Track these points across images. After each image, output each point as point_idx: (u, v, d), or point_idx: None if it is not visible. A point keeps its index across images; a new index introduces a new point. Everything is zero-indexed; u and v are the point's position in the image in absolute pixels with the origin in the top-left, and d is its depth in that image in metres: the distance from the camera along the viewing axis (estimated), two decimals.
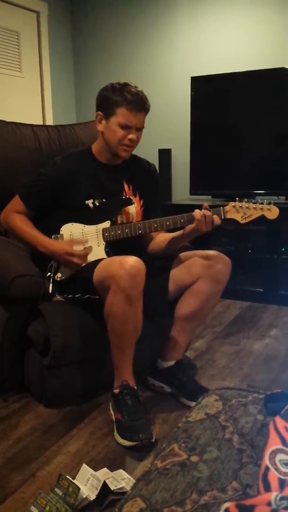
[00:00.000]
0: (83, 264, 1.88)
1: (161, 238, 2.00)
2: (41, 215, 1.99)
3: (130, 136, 1.85)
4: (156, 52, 3.93)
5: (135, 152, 2.06)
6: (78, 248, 1.90)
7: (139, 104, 1.82)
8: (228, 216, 1.81)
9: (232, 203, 1.81)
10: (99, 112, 1.89)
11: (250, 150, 3.42)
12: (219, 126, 3.51)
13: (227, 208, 1.81)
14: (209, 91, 3.51)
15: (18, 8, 3.71)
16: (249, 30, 3.53)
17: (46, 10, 3.93)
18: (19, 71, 3.80)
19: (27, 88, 3.87)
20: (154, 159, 2.14)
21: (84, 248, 1.90)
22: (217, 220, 1.79)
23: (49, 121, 4.04)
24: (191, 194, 3.57)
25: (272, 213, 1.78)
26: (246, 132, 3.43)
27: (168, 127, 3.91)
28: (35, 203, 1.98)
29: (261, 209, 1.78)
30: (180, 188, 3.86)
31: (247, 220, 1.80)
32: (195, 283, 1.86)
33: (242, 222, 1.80)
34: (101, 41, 4.14)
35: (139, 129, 1.88)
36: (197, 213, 1.78)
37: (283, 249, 3.21)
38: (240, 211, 1.80)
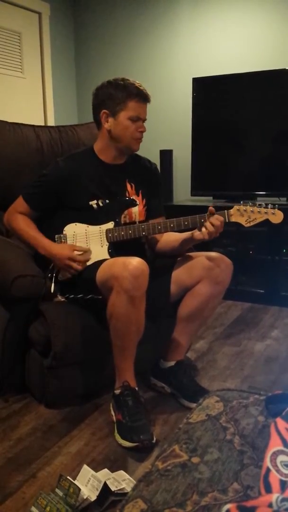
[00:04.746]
0: (80, 269, 1.88)
1: (171, 238, 1.99)
2: (45, 215, 1.99)
3: (141, 128, 1.88)
4: (158, 54, 3.93)
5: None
6: (79, 253, 1.89)
7: (145, 95, 1.87)
8: (233, 219, 1.80)
9: (236, 207, 1.80)
10: (105, 111, 1.88)
11: (252, 151, 3.42)
12: (220, 127, 3.51)
13: (231, 211, 1.80)
14: (210, 92, 3.51)
15: (20, 9, 3.71)
16: (251, 31, 3.53)
17: (48, 11, 3.94)
18: (21, 72, 3.81)
19: (29, 88, 3.88)
20: (155, 160, 2.14)
21: (85, 253, 1.89)
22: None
23: (51, 122, 4.05)
24: (192, 195, 3.57)
25: (277, 217, 1.78)
26: (248, 133, 3.43)
27: (170, 128, 3.92)
28: (38, 204, 1.98)
29: (266, 213, 1.78)
30: (181, 189, 3.86)
31: (251, 223, 1.80)
32: (196, 285, 1.85)
33: (246, 225, 1.80)
34: (103, 41, 4.15)
35: (144, 121, 1.90)
36: (204, 233, 1.78)
37: (284, 250, 3.21)
38: (245, 215, 1.79)
